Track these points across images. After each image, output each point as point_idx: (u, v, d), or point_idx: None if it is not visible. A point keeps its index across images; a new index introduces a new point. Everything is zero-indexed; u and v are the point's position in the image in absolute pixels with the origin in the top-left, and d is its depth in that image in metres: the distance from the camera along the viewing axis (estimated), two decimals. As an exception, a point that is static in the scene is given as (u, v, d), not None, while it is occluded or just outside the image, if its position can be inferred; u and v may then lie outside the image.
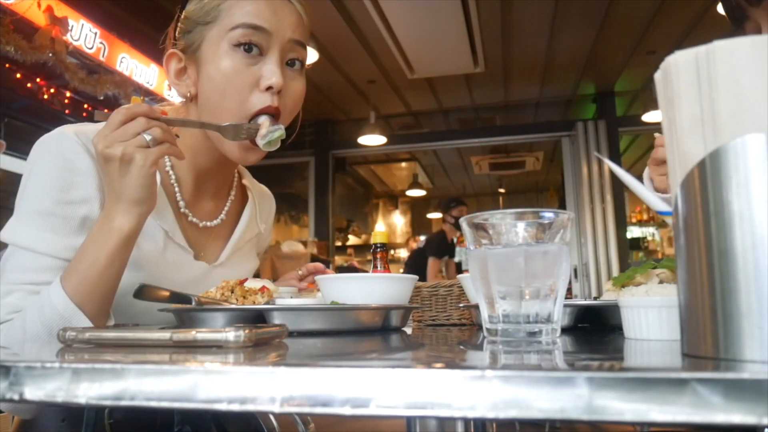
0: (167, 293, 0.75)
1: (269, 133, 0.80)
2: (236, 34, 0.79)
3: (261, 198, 1.13)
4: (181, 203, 0.91)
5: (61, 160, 0.78)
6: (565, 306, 0.74)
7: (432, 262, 4.69)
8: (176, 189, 0.90)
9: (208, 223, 0.95)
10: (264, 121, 0.81)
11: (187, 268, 0.91)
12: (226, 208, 0.99)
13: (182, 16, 0.87)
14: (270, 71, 0.80)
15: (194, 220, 0.93)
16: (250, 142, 0.83)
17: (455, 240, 5.03)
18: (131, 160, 0.69)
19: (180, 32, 0.87)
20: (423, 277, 4.62)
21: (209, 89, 0.82)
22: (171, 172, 0.90)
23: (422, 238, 6.12)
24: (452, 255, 4.92)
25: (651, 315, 0.53)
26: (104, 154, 0.69)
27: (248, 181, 1.09)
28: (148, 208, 0.73)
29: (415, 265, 4.80)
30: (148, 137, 0.70)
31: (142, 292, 0.73)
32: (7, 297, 0.73)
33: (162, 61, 0.90)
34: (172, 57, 0.87)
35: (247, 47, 0.80)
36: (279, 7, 0.83)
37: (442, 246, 4.82)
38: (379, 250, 1.06)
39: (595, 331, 0.74)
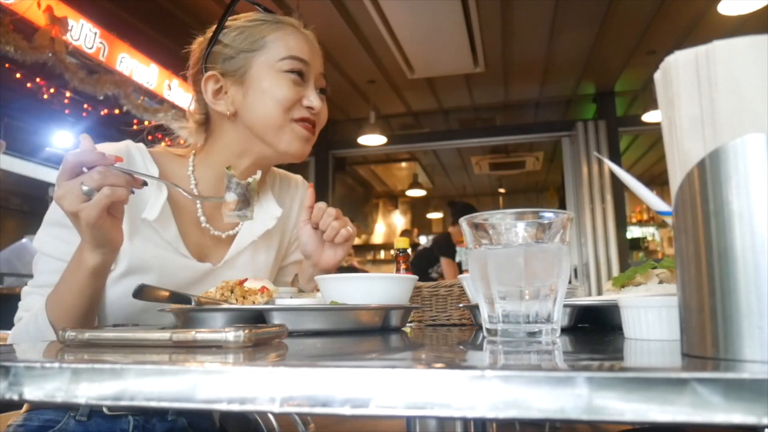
0: (167, 293, 0.75)
1: (234, 216, 0.89)
2: (286, 63, 0.96)
3: (290, 186, 1.17)
4: (202, 219, 0.98)
5: None
6: (565, 306, 0.74)
7: (448, 263, 4.72)
8: (198, 205, 0.99)
9: (231, 233, 1.02)
10: (230, 202, 0.88)
11: (190, 270, 0.95)
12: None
13: (217, 45, 0.98)
14: (312, 95, 0.98)
15: (217, 233, 1.00)
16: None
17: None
18: (78, 216, 0.72)
19: (218, 57, 0.98)
20: (425, 277, 4.65)
21: (261, 103, 0.96)
22: (195, 189, 0.98)
23: (423, 239, 6.11)
24: (453, 256, 4.96)
25: (651, 315, 0.53)
26: (58, 204, 0.73)
27: (263, 193, 1.09)
28: (112, 248, 0.78)
29: (421, 264, 4.80)
30: (85, 189, 0.70)
31: (142, 292, 0.74)
32: (26, 297, 0.87)
33: (186, 76, 1.05)
34: (210, 79, 0.98)
35: (296, 73, 0.97)
36: (311, 44, 1.03)
37: (450, 247, 4.85)
38: (401, 254, 1.19)
39: (595, 331, 0.74)
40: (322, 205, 1.02)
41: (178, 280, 0.93)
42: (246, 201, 0.88)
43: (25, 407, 0.90)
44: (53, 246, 0.86)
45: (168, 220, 0.94)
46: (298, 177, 1.21)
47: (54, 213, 0.87)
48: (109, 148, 0.90)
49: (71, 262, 0.79)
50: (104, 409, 0.87)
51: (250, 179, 0.90)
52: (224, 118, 0.98)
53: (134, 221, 0.90)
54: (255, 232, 1.04)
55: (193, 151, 1.02)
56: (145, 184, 0.78)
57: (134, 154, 0.93)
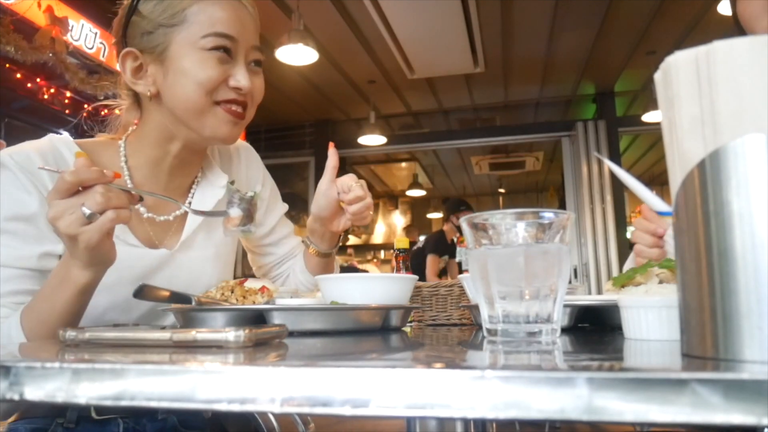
0: (167, 293, 0.75)
1: (238, 231, 0.87)
2: (209, 40, 0.86)
3: (232, 155, 1.11)
4: (142, 209, 0.93)
5: (2, 181, 0.82)
6: (565, 306, 0.74)
7: (431, 259, 4.71)
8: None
9: (177, 213, 0.96)
10: (235, 217, 0.86)
11: (147, 259, 0.90)
12: (190, 195, 1.00)
13: (135, 17, 0.89)
14: (240, 74, 0.88)
15: (162, 218, 0.95)
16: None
17: (455, 240, 5.04)
18: (75, 239, 0.68)
19: (137, 31, 0.89)
20: (422, 276, 4.65)
21: (181, 85, 0.87)
22: (129, 181, 0.92)
23: (421, 238, 6.11)
24: (453, 254, 4.94)
25: (651, 315, 0.53)
26: (51, 224, 0.70)
27: (206, 164, 1.05)
28: (106, 265, 0.75)
29: (415, 264, 4.80)
30: (87, 212, 0.67)
31: (142, 292, 0.74)
32: None
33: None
34: (128, 56, 0.90)
35: (220, 50, 0.87)
36: (242, 14, 0.90)
37: (440, 244, 4.84)
38: (400, 254, 1.18)
39: (595, 331, 0.74)
40: (351, 178, 1.01)
41: (137, 271, 0.89)
42: (250, 216, 0.86)
43: (12, 416, 0.88)
44: None
45: None
46: (243, 141, 1.15)
47: None
48: (30, 146, 0.85)
49: (53, 278, 0.75)
50: (92, 414, 0.85)
51: (251, 193, 0.88)
52: (148, 102, 0.91)
53: None
54: (206, 206, 0.99)
55: (124, 136, 0.96)
56: (141, 199, 0.76)
57: (60, 149, 0.87)
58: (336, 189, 1.01)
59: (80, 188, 0.68)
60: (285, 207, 1.22)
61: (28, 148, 0.85)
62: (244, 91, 0.89)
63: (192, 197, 1.00)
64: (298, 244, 1.20)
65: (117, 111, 1.01)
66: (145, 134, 0.94)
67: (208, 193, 1.01)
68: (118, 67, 0.91)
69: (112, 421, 0.87)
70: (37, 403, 0.83)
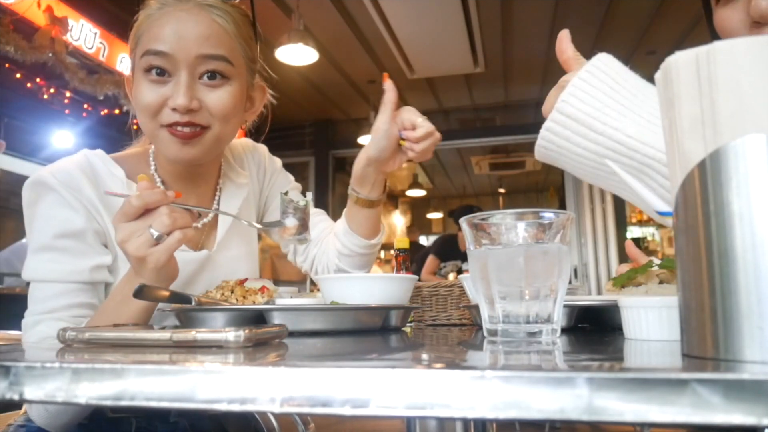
0: (167, 293, 0.75)
1: (294, 240, 0.87)
2: (144, 61, 0.85)
3: (243, 154, 1.13)
4: None
5: (49, 200, 0.84)
6: (565, 306, 0.74)
7: (431, 260, 4.69)
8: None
9: (205, 221, 0.99)
10: (291, 227, 0.87)
11: (190, 262, 0.93)
12: (216, 199, 1.03)
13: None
14: (175, 93, 0.83)
15: (197, 224, 0.97)
16: None
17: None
18: (144, 261, 0.71)
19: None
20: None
21: (136, 110, 0.89)
22: (161, 186, 0.95)
23: (423, 239, 6.12)
24: (465, 259, 4.92)
25: (651, 315, 0.53)
26: (120, 247, 0.72)
27: (226, 164, 1.07)
28: (170, 281, 0.77)
29: (421, 263, 4.81)
30: (155, 234, 0.70)
31: (142, 292, 0.74)
32: (36, 326, 0.81)
33: None
34: (127, 82, 0.96)
35: (157, 71, 0.84)
36: (183, 24, 0.84)
37: (446, 248, 4.79)
38: (400, 254, 1.19)
39: (595, 331, 0.74)
40: (413, 112, 0.97)
41: (184, 274, 0.90)
42: (304, 224, 0.87)
43: (25, 407, 0.90)
44: (50, 270, 0.82)
45: None
46: (247, 140, 1.16)
47: (39, 239, 0.83)
48: (67, 162, 0.87)
49: (116, 295, 0.76)
50: (107, 411, 0.86)
51: (303, 201, 0.88)
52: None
53: None
54: (234, 206, 1.03)
55: (152, 145, 0.97)
56: (200, 216, 0.77)
57: (95, 163, 0.89)
58: (397, 126, 0.97)
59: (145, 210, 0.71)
60: (299, 188, 1.23)
61: (68, 165, 0.87)
62: (181, 110, 0.82)
63: (218, 201, 1.03)
64: (328, 225, 1.19)
65: None
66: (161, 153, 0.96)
67: (233, 192, 1.04)
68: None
69: (125, 420, 0.88)
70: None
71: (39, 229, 0.84)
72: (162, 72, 0.84)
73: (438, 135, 0.97)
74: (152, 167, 0.95)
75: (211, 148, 0.89)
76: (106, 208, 0.86)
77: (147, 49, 0.84)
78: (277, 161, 1.21)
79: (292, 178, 1.24)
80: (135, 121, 1.02)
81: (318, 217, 1.20)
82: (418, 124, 0.96)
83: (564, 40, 0.73)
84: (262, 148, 1.18)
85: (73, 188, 0.84)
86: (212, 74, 0.86)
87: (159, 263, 0.71)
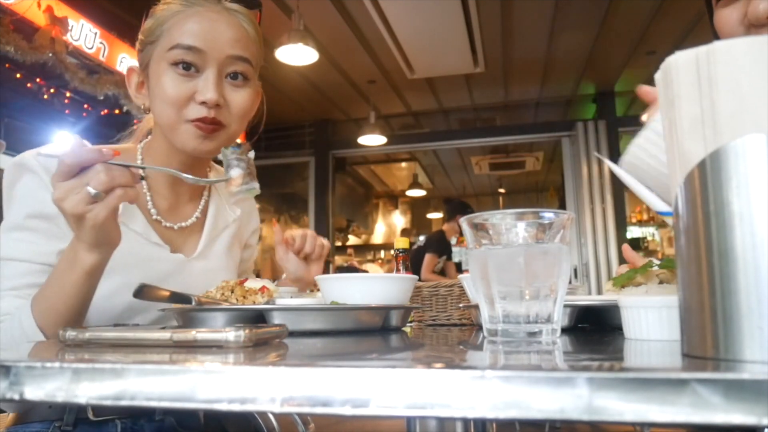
0: (167, 293, 0.75)
1: (243, 190, 0.84)
2: (173, 54, 0.87)
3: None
4: (153, 211, 0.96)
5: (26, 181, 0.85)
6: (565, 306, 0.74)
7: (429, 258, 4.73)
8: (148, 198, 0.96)
9: (183, 224, 1.00)
10: (237, 177, 0.84)
11: (163, 262, 0.94)
12: (200, 207, 1.04)
13: (140, 36, 0.95)
14: (204, 87, 0.87)
15: (168, 224, 0.98)
16: (199, 128, 0.89)
17: (456, 240, 5.05)
18: (82, 218, 0.69)
19: (137, 50, 0.96)
20: (419, 273, 4.68)
21: (155, 102, 0.90)
22: (144, 182, 0.96)
23: (421, 237, 6.13)
24: (450, 256, 4.98)
25: (651, 315, 0.53)
26: (57, 206, 0.70)
27: (214, 174, 1.11)
28: (112, 246, 0.75)
29: (415, 262, 4.82)
30: (92, 192, 0.67)
31: (142, 292, 0.74)
32: None
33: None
34: (131, 72, 0.97)
35: (184, 65, 0.87)
36: (216, 24, 0.89)
37: (441, 244, 4.86)
38: (400, 254, 1.19)
39: (595, 331, 0.74)
40: (300, 233, 1.09)
41: (156, 273, 0.91)
42: (251, 174, 0.85)
43: (8, 421, 0.88)
44: (18, 249, 0.83)
45: (133, 211, 0.92)
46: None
47: (12, 218, 0.84)
48: (52, 148, 0.85)
49: (60, 263, 0.76)
50: (89, 416, 0.85)
51: (250, 153, 0.86)
52: (149, 116, 0.97)
53: None
54: (226, 220, 1.06)
55: (142, 142, 1.00)
56: (142, 178, 0.77)
57: None
58: (289, 251, 1.09)
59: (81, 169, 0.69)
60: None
61: (52, 150, 0.86)
62: (210, 104, 0.87)
63: (201, 210, 1.04)
64: None
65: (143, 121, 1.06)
66: (154, 140, 0.98)
67: (226, 211, 1.07)
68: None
69: (110, 422, 0.87)
70: (34, 407, 0.83)
71: (13, 208, 0.85)
72: (189, 66, 0.87)
73: (310, 232, 1.12)
74: (139, 161, 0.97)
75: (222, 145, 0.92)
76: None
77: (178, 43, 0.86)
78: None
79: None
80: (136, 121, 1.03)
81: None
82: (294, 238, 1.10)
83: (644, 91, 0.76)
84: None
85: (51, 171, 0.83)
86: (235, 75, 0.91)
87: (97, 220, 0.68)
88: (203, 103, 0.87)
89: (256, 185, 0.85)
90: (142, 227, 0.92)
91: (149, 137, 1.01)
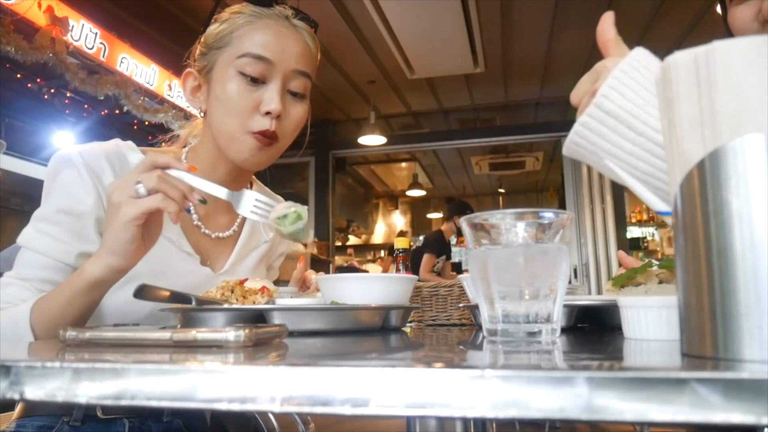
0: (167, 293, 0.75)
1: (287, 220, 0.76)
2: (242, 62, 0.88)
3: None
4: (194, 216, 0.97)
5: (66, 175, 0.85)
6: (565, 306, 0.74)
7: (428, 258, 4.74)
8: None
9: (221, 234, 1.01)
10: (280, 207, 0.77)
11: (191, 273, 0.94)
12: (238, 220, 1.04)
13: (201, 39, 0.95)
14: (270, 98, 0.88)
15: (207, 231, 0.99)
16: (260, 140, 0.90)
17: (454, 240, 5.07)
18: (117, 210, 0.69)
19: (198, 53, 0.95)
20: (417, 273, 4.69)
21: (216, 107, 0.90)
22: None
23: (421, 238, 6.14)
24: (449, 255, 5.00)
25: (651, 315, 0.53)
26: (108, 191, 0.72)
27: (257, 187, 1.12)
28: (120, 264, 0.73)
29: (415, 262, 4.84)
30: (140, 190, 0.68)
31: (143, 292, 0.74)
32: (6, 288, 0.81)
33: (180, 75, 0.99)
34: (188, 75, 0.96)
35: (253, 76, 0.88)
36: (285, 38, 0.91)
37: (440, 244, 4.87)
38: (400, 254, 1.20)
39: (594, 331, 0.74)
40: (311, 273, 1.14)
41: (181, 284, 0.88)
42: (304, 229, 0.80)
43: (17, 413, 0.89)
44: (40, 241, 0.82)
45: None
46: (280, 199, 1.17)
47: (45, 209, 0.84)
48: (97, 147, 0.88)
49: (74, 272, 0.76)
50: (98, 413, 0.85)
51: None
52: (204, 120, 0.97)
53: None
54: (259, 240, 1.06)
55: (186, 147, 1.01)
56: (203, 201, 0.73)
57: (126, 153, 0.90)
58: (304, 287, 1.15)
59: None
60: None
61: (97, 149, 0.88)
62: (274, 115, 0.88)
63: (239, 224, 1.04)
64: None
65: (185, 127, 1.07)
66: (202, 146, 0.98)
67: (259, 231, 1.08)
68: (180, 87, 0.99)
69: (118, 420, 0.87)
70: (44, 400, 0.83)
71: (48, 199, 0.85)
72: (256, 78, 0.88)
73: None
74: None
75: (273, 158, 0.95)
76: None
77: (249, 52, 0.88)
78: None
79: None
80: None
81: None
82: (309, 282, 1.14)
83: (607, 21, 0.70)
84: None
85: (93, 171, 0.85)
86: (296, 89, 0.93)
87: (126, 217, 0.68)
88: (267, 113, 0.88)
89: (302, 212, 0.76)
90: (176, 235, 0.92)
91: (192, 143, 1.02)
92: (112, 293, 0.79)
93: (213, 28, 0.93)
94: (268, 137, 0.89)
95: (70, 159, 0.85)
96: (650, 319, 0.53)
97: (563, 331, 0.71)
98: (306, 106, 0.96)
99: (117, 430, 0.87)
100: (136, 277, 0.82)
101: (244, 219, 1.05)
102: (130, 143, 0.93)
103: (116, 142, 0.91)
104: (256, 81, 0.88)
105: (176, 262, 0.92)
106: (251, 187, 1.10)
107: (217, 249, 1.00)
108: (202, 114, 0.96)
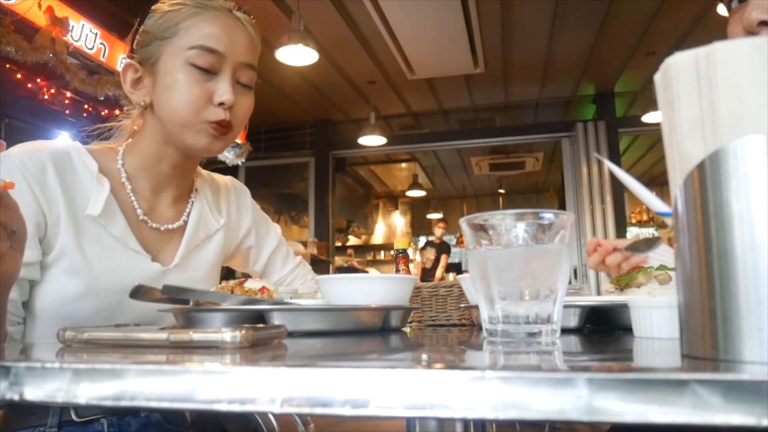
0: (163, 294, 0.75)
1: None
2: (193, 53, 0.88)
3: (221, 191, 1.12)
4: (139, 211, 0.94)
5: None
6: (574, 307, 0.74)
7: (445, 259, 5.05)
8: (132, 198, 0.94)
9: (170, 226, 0.98)
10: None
11: (136, 270, 0.91)
12: (187, 210, 1.02)
13: (141, 30, 0.94)
14: (223, 89, 0.89)
15: (155, 225, 0.96)
16: (214, 130, 0.90)
17: (455, 241, 5.31)
18: None
19: (138, 44, 0.94)
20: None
21: (166, 99, 0.90)
22: (127, 183, 0.94)
23: (422, 239, 6.23)
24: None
25: (662, 314, 0.55)
26: None
27: (199, 181, 1.08)
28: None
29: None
30: None
31: (139, 293, 0.74)
32: None
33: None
34: (129, 67, 0.94)
35: (204, 67, 0.89)
36: (233, 31, 0.92)
37: (446, 246, 5.19)
38: (400, 255, 1.20)
39: (594, 332, 0.74)
40: None
41: (127, 281, 0.86)
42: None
43: None
44: None
45: (114, 214, 0.90)
46: (227, 178, 1.17)
47: None
48: (41, 146, 0.87)
49: None
50: (73, 416, 0.84)
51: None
52: (145, 111, 0.95)
53: (78, 220, 0.86)
54: (209, 229, 1.03)
55: (125, 142, 0.99)
56: (14, 232, 0.65)
57: (71, 154, 0.89)
58: None
59: None
60: (277, 234, 1.23)
61: (42, 149, 0.86)
62: (227, 105, 0.89)
63: (188, 215, 1.01)
64: (297, 265, 1.23)
65: (124, 120, 1.04)
66: (143, 139, 0.96)
67: (208, 220, 1.04)
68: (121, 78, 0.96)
69: (96, 421, 0.86)
70: (16, 415, 0.81)
71: None
72: (207, 69, 0.89)
73: None
74: (119, 163, 0.95)
75: (227, 145, 0.95)
76: (68, 200, 0.85)
77: (201, 44, 0.88)
78: (255, 207, 1.20)
79: (274, 226, 1.24)
80: (116, 123, 1.01)
81: (286, 258, 1.22)
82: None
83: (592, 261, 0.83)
84: (247, 193, 1.19)
85: (31, 173, 0.83)
86: (244, 80, 0.94)
87: None
88: (221, 104, 0.89)
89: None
90: (122, 231, 0.90)
91: (130, 140, 0.99)
92: (55, 291, 0.80)
93: (155, 18, 0.92)
94: (224, 126, 0.91)
95: (10, 164, 0.82)
96: (660, 319, 0.54)
97: (567, 332, 0.71)
98: (252, 96, 0.97)
99: (96, 430, 0.86)
100: (74, 273, 0.81)
101: (192, 209, 1.02)
102: (77, 144, 0.92)
103: (63, 141, 0.90)
104: (207, 72, 0.89)
105: (123, 260, 0.90)
106: (197, 178, 1.06)
107: (167, 243, 0.98)
108: (143, 107, 0.94)
